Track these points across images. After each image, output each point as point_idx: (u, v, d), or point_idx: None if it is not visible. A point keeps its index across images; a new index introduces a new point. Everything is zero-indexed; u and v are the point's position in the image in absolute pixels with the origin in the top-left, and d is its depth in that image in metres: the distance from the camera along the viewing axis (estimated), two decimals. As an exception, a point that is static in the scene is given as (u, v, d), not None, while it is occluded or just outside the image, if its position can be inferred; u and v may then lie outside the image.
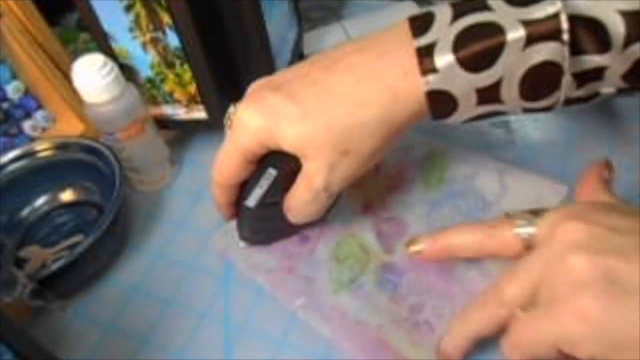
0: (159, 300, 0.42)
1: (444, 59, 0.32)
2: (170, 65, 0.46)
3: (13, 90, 0.49)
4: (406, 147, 0.47)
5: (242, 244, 0.43)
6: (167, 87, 0.48)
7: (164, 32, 0.44)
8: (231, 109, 0.38)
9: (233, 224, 0.45)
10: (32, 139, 0.50)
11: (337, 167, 0.35)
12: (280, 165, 0.37)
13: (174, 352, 0.39)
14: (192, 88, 0.47)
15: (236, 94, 0.50)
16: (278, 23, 0.50)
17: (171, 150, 0.50)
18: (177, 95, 0.48)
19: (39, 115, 0.51)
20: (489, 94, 0.33)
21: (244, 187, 0.39)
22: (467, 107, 0.34)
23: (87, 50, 0.51)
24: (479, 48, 0.32)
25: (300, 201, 0.37)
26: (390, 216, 0.44)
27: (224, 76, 0.48)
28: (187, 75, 0.46)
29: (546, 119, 0.49)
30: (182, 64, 0.45)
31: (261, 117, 0.35)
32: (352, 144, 0.35)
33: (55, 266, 0.39)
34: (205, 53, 0.44)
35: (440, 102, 0.34)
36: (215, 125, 0.50)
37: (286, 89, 0.36)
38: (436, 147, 0.47)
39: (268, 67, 0.49)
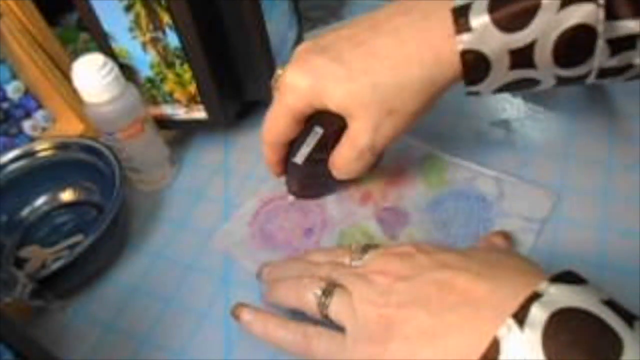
0: (159, 300, 0.42)
1: (479, 19, 0.33)
2: (170, 65, 0.46)
3: (13, 90, 0.49)
4: (404, 147, 0.47)
5: (291, 198, 0.46)
6: (167, 87, 0.48)
7: (164, 32, 0.44)
8: (278, 72, 0.40)
9: (233, 223, 0.45)
10: (32, 139, 0.50)
11: (381, 127, 0.37)
12: (326, 124, 0.40)
13: (174, 352, 0.39)
14: (192, 88, 0.47)
15: (236, 94, 0.51)
16: (278, 23, 0.50)
17: (171, 150, 0.50)
18: (177, 95, 0.48)
19: (39, 115, 0.51)
20: (522, 57, 0.33)
21: (292, 146, 0.42)
22: (500, 71, 0.34)
23: (87, 50, 0.51)
24: (515, 9, 0.32)
25: (345, 159, 0.40)
26: (391, 206, 0.44)
27: (224, 76, 0.48)
28: (187, 75, 0.46)
29: (546, 119, 0.49)
30: (182, 64, 0.45)
31: (309, 78, 0.37)
32: (396, 104, 0.36)
33: (55, 266, 0.39)
34: (205, 53, 0.44)
35: (474, 63, 0.34)
36: (215, 125, 0.50)
37: (332, 50, 0.37)
38: (435, 150, 0.47)
39: (268, 67, 0.49)
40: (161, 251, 0.46)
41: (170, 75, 0.47)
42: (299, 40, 0.56)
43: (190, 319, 0.41)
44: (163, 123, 0.50)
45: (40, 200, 0.49)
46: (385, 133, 0.38)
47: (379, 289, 0.32)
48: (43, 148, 0.47)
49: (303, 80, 0.37)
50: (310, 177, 0.44)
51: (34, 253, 0.46)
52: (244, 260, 0.43)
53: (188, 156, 0.53)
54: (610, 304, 0.26)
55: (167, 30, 0.43)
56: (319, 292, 0.34)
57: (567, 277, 0.28)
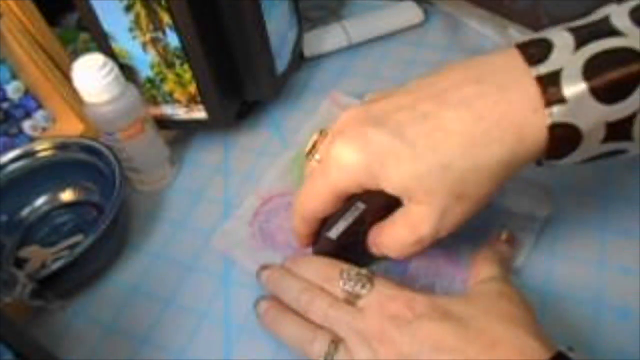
0: (159, 300, 0.42)
1: (573, 87, 0.28)
2: (170, 65, 0.46)
3: (13, 90, 0.49)
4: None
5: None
6: (167, 87, 0.48)
7: (164, 32, 0.44)
8: (315, 137, 0.36)
9: (233, 223, 0.45)
10: (32, 139, 0.50)
11: (449, 213, 0.32)
12: (368, 199, 0.34)
13: (174, 352, 0.39)
14: (192, 88, 0.47)
15: (236, 94, 0.51)
16: (278, 23, 0.50)
17: (171, 150, 0.50)
18: (177, 95, 0.48)
19: (39, 115, 0.51)
20: (619, 130, 0.29)
21: (326, 219, 0.37)
22: (591, 145, 0.30)
23: (87, 50, 0.51)
24: (615, 76, 0.28)
25: (400, 242, 0.34)
26: None
27: (224, 76, 0.48)
28: (187, 75, 0.46)
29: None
30: (182, 64, 0.46)
31: (363, 156, 0.32)
32: (468, 187, 0.31)
33: (55, 266, 0.39)
34: (205, 53, 0.44)
35: (564, 138, 0.30)
36: (215, 125, 0.50)
37: (392, 123, 0.32)
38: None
39: (268, 67, 0.49)
40: (161, 251, 0.46)
41: (170, 75, 0.47)
42: (299, 40, 0.56)
43: (190, 319, 0.41)
44: (163, 123, 0.50)
45: (40, 200, 0.49)
46: (452, 220, 0.32)
47: None
48: (43, 148, 0.47)
49: (355, 157, 0.32)
50: (341, 250, 0.38)
51: (34, 253, 0.46)
52: (244, 260, 0.43)
53: (188, 156, 0.53)
54: None
55: (167, 30, 0.43)
56: (322, 354, 0.33)
57: None
